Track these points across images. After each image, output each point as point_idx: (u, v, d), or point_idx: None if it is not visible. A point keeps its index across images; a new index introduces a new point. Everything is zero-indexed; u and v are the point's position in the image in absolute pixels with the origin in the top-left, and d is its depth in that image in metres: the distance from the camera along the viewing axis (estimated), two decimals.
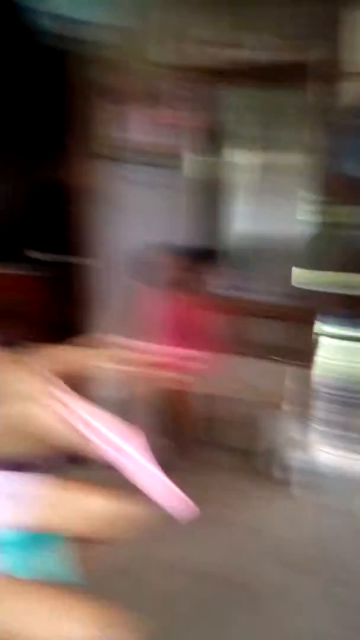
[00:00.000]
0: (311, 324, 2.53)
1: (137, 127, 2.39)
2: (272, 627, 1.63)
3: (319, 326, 2.55)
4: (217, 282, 2.68)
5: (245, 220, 2.69)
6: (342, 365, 2.49)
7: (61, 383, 0.79)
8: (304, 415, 2.62)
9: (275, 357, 2.60)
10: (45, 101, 2.86)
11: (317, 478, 2.46)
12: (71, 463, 0.87)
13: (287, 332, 2.56)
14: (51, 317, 2.80)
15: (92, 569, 1.71)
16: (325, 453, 2.59)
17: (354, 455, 2.47)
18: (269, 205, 2.56)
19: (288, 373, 2.58)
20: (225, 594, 1.74)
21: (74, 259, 2.39)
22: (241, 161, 2.73)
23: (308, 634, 1.61)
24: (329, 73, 2.30)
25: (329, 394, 2.56)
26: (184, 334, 2.47)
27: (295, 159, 2.45)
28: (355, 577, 1.83)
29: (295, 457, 2.60)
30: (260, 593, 1.76)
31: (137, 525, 1.17)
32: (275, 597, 1.74)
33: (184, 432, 2.65)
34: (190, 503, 0.77)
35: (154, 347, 1.03)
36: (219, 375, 2.63)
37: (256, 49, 2.36)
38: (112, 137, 2.25)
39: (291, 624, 1.65)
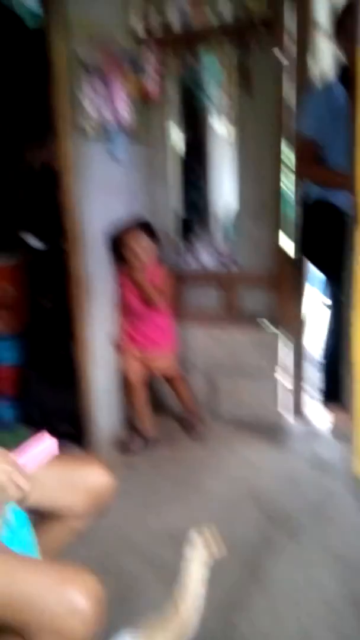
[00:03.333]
0: (300, 290, 2.54)
1: (114, 102, 2.37)
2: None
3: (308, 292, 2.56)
4: (204, 253, 2.71)
5: (227, 190, 2.68)
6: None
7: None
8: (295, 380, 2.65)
9: (265, 325, 2.62)
10: (25, 82, 2.85)
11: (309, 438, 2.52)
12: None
13: (276, 300, 2.57)
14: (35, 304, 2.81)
15: (89, 539, 1.73)
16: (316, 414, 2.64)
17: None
18: (248, 174, 2.55)
19: (278, 340, 2.60)
20: None
21: (61, 242, 2.39)
22: (219, 131, 2.72)
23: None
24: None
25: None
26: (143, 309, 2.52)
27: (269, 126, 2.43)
28: None
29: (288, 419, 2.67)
30: None
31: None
32: None
33: (186, 409, 2.69)
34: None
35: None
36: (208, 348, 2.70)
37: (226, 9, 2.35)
38: (92, 113, 2.23)
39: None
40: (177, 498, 2.14)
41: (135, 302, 2.53)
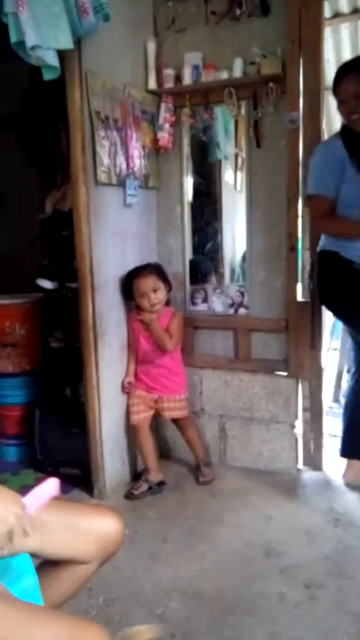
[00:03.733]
0: (315, 337, 2.52)
1: (128, 151, 2.45)
2: None
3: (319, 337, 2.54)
4: (215, 299, 2.72)
5: (239, 237, 2.71)
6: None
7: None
8: (310, 429, 2.59)
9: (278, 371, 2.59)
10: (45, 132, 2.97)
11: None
12: None
13: (291, 347, 2.55)
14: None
15: (94, 588, 1.67)
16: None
17: None
18: (258, 222, 2.59)
19: (293, 388, 2.56)
20: None
21: (72, 284, 2.42)
22: (230, 181, 2.79)
23: None
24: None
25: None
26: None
27: (279, 177, 2.49)
28: None
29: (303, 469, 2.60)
30: None
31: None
32: None
33: (196, 455, 2.64)
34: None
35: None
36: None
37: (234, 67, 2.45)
38: (106, 161, 2.30)
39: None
40: (187, 548, 2.06)
41: (145, 346, 2.52)
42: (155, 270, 2.51)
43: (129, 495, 2.45)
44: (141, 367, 2.56)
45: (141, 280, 2.44)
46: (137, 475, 2.61)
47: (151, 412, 2.57)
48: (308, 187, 2.26)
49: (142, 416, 2.54)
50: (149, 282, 2.44)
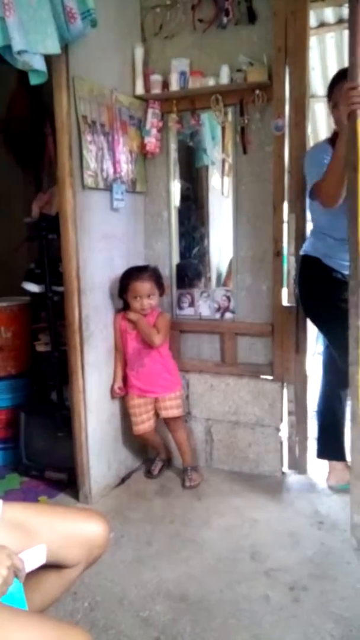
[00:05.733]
0: (299, 341, 2.54)
1: (115, 155, 2.46)
2: None
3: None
4: (201, 303, 2.73)
5: (225, 242, 2.73)
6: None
7: None
8: (295, 432, 2.62)
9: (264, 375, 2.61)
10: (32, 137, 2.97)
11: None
12: None
13: (276, 351, 2.57)
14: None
15: (79, 592, 1.67)
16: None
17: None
18: (244, 227, 2.61)
19: (278, 391, 2.58)
20: None
21: (58, 288, 2.42)
22: (217, 186, 2.81)
23: None
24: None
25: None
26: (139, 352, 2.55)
27: (265, 182, 2.52)
28: None
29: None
30: None
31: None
32: None
33: (183, 458, 2.66)
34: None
35: None
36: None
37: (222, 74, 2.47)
38: (93, 165, 2.31)
39: None
40: (172, 552, 2.07)
41: (134, 344, 2.54)
42: (154, 275, 2.53)
43: (149, 476, 2.68)
44: (132, 371, 2.56)
45: (138, 283, 2.46)
46: (148, 458, 2.82)
47: (154, 418, 2.60)
48: (310, 181, 2.21)
49: (147, 425, 2.58)
50: (145, 287, 2.46)
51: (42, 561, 1.18)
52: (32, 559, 1.16)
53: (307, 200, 2.34)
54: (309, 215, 2.47)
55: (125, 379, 2.59)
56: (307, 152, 2.33)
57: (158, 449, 2.73)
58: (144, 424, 2.57)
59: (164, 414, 2.57)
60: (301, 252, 2.40)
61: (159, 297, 2.55)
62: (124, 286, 2.48)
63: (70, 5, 1.97)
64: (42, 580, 1.27)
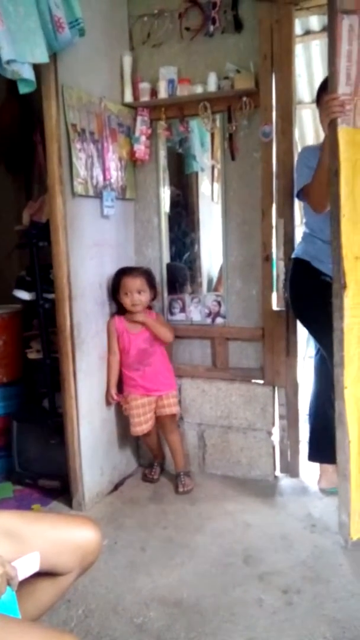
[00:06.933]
0: (290, 345, 2.56)
1: (105, 162, 2.47)
2: None
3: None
4: (192, 308, 2.75)
5: (215, 247, 2.75)
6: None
7: None
8: (287, 436, 2.63)
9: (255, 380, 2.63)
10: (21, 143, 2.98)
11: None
12: None
13: (267, 355, 2.59)
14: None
15: (73, 599, 1.66)
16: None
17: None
18: (234, 232, 2.63)
19: (270, 396, 2.60)
20: None
21: (49, 295, 2.42)
22: (206, 192, 2.83)
23: None
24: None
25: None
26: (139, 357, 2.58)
27: (253, 188, 2.54)
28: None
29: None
30: None
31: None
32: None
33: (176, 462, 2.67)
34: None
35: None
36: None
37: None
38: (82, 172, 2.32)
39: None
40: (166, 557, 2.07)
41: (139, 344, 2.55)
42: (146, 274, 2.56)
43: (149, 480, 2.69)
44: (136, 372, 2.57)
45: (129, 279, 2.49)
46: (149, 464, 2.80)
47: (153, 419, 2.61)
48: (297, 181, 2.25)
49: (145, 427, 2.59)
50: (136, 282, 2.49)
51: (35, 569, 1.19)
52: (25, 567, 1.16)
53: (302, 203, 2.36)
54: (297, 220, 2.50)
55: (121, 383, 2.60)
56: (299, 153, 2.36)
57: (155, 451, 2.74)
58: (147, 423, 2.58)
59: (166, 411, 2.58)
60: (292, 255, 2.42)
61: (150, 299, 2.57)
62: (115, 284, 2.52)
63: (59, 14, 1.99)
64: (36, 588, 1.27)
